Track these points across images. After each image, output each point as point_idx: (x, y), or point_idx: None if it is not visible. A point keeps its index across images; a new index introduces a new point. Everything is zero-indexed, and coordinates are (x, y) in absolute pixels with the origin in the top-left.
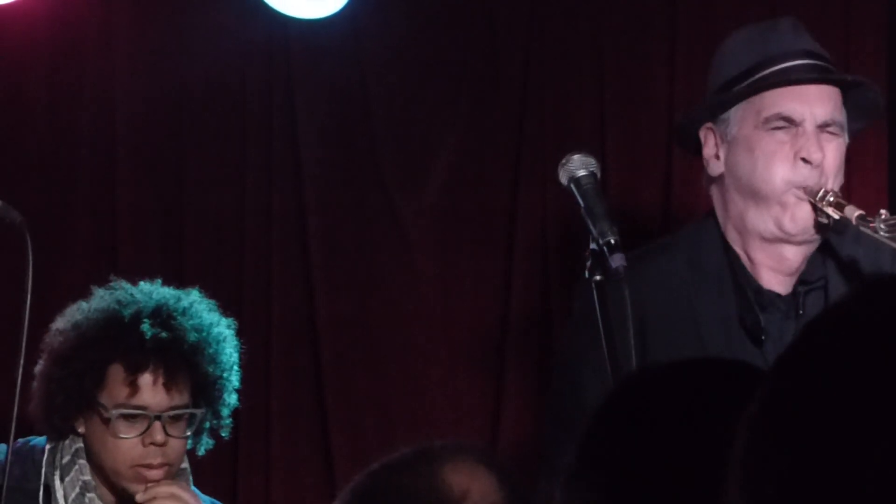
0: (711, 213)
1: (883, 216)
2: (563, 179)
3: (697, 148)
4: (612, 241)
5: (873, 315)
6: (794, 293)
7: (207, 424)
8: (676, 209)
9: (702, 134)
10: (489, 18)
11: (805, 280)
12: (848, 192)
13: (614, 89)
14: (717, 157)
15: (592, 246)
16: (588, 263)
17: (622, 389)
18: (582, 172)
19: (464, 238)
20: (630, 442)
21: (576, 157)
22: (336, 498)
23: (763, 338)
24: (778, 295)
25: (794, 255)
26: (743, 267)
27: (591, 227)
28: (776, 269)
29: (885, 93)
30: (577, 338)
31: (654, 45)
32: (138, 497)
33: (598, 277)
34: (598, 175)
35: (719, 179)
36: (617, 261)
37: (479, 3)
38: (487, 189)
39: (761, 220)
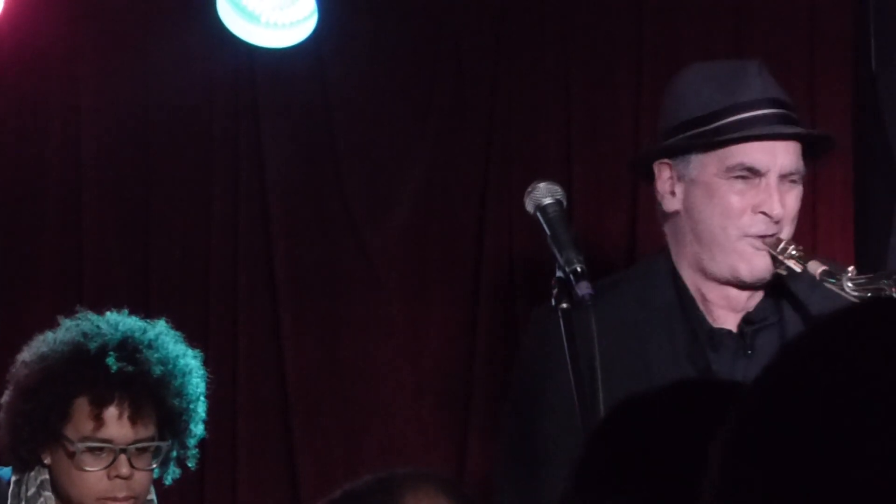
0: (664, 249)
1: (849, 274)
2: (530, 207)
3: (650, 177)
4: (579, 269)
5: (848, 338)
6: (741, 332)
7: (175, 454)
8: (642, 239)
9: (656, 167)
10: (455, 47)
11: (751, 319)
12: (813, 220)
13: (581, 119)
14: (673, 193)
15: (559, 274)
16: (555, 291)
17: (616, 414)
18: (548, 200)
19: (431, 267)
20: (625, 466)
21: (542, 185)
22: None
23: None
24: (729, 332)
25: (746, 296)
26: (695, 305)
27: (558, 255)
28: (728, 307)
29: (848, 121)
30: (534, 367)
31: (620, 74)
32: None
33: (564, 305)
34: (564, 203)
35: (674, 215)
36: (583, 288)
37: (445, 32)
38: (454, 218)
39: (716, 264)
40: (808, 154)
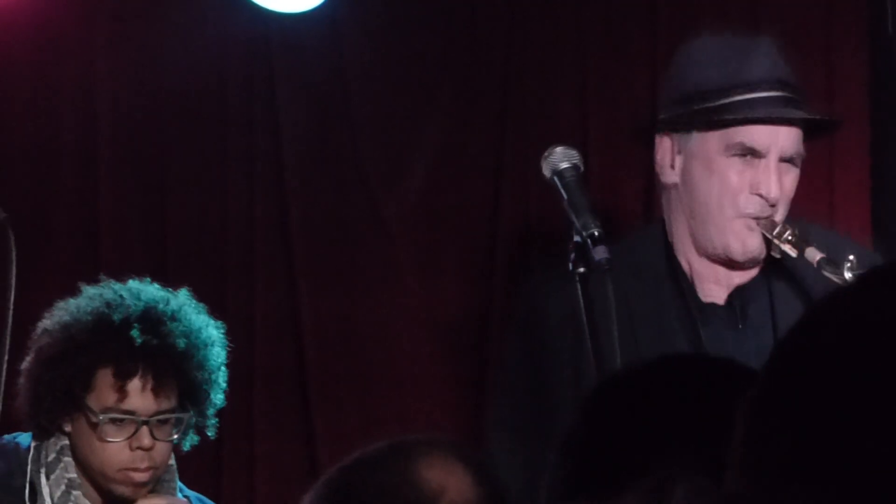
0: (660, 220)
1: (849, 264)
2: (546, 172)
3: (650, 143)
4: (596, 234)
5: (876, 301)
6: (730, 304)
7: (193, 421)
8: (658, 204)
9: (657, 139)
10: (470, 11)
11: (742, 290)
12: (830, 190)
13: (596, 83)
14: (672, 166)
15: (576, 238)
16: (571, 256)
17: (603, 390)
18: (565, 165)
19: (446, 234)
20: (612, 441)
21: (558, 149)
22: (309, 492)
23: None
24: (716, 305)
25: (736, 274)
26: (686, 277)
27: (574, 220)
28: (716, 283)
29: (865, 86)
30: (533, 338)
31: (635, 38)
32: None
33: (581, 270)
34: (581, 167)
35: (671, 187)
36: (600, 253)
37: None
38: (469, 184)
39: (709, 241)
40: (818, 132)
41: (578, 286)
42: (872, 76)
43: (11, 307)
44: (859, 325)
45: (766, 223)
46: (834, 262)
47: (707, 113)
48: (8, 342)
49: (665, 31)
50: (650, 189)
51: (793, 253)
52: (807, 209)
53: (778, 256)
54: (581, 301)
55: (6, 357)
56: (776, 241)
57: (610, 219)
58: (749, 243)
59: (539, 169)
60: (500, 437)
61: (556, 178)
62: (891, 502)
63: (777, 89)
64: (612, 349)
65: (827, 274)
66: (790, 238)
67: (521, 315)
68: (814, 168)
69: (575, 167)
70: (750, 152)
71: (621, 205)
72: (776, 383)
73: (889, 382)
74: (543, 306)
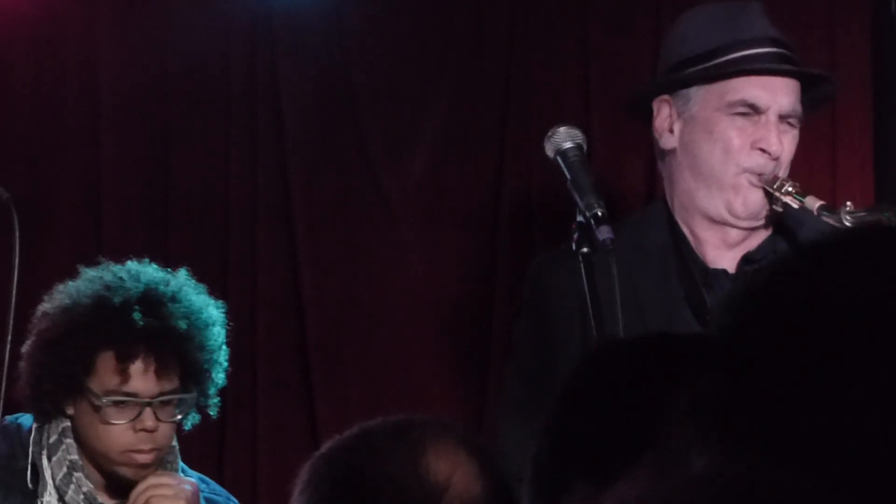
0: (662, 198)
1: (847, 207)
2: (550, 152)
3: (648, 117)
4: (599, 214)
5: (820, 268)
6: (740, 271)
7: (196, 401)
8: (661, 182)
9: (655, 105)
10: None
11: (750, 258)
12: (832, 168)
13: (599, 64)
14: (671, 130)
15: (579, 218)
16: (575, 236)
17: (584, 370)
18: (568, 144)
19: (449, 214)
20: (595, 419)
21: (562, 129)
22: (309, 465)
23: (708, 318)
24: (724, 272)
25: (742, 234)
26: (689, 245)
27: (578, 200)
28: (723, 245)
29: (867, 66)
30: (537, 318)
31: (638, 18)
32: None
33: (585, 250)
34: (584, 147)
35: (670, 153)
36: (604, 233)
37: None
38: (473, 165)
39: (711, 201)
40: (817, 103)
41: (582, 266)
42: (875, 56)
43: (15, 288)
44: (825, 294)
45: (767, 177)
46: (832, 208)
47: (706, 70)
48: (11, 323)
49: (668, 11)
50: (653, 169)
51: (794, 204)
52: (809, 190)
53: (780, 210)
54: (585, 281)
55: (10, 338)
56: (777, 194)
57: (613, 199)
58: (750, 199)
59: (542, 149)
60: (509, 421)
61: (559, 158)
62: (872, 475)
63: (773, 45)
64: (615, 330)
65: (826, 220)
66: (790, 189)
67: (527, 297)
68: (816, 149)
69: (578, 147)
70: (750, 108)
71: (625, 185)
72: (744, 356)
73: (856, 350)
74: (549, 288)
